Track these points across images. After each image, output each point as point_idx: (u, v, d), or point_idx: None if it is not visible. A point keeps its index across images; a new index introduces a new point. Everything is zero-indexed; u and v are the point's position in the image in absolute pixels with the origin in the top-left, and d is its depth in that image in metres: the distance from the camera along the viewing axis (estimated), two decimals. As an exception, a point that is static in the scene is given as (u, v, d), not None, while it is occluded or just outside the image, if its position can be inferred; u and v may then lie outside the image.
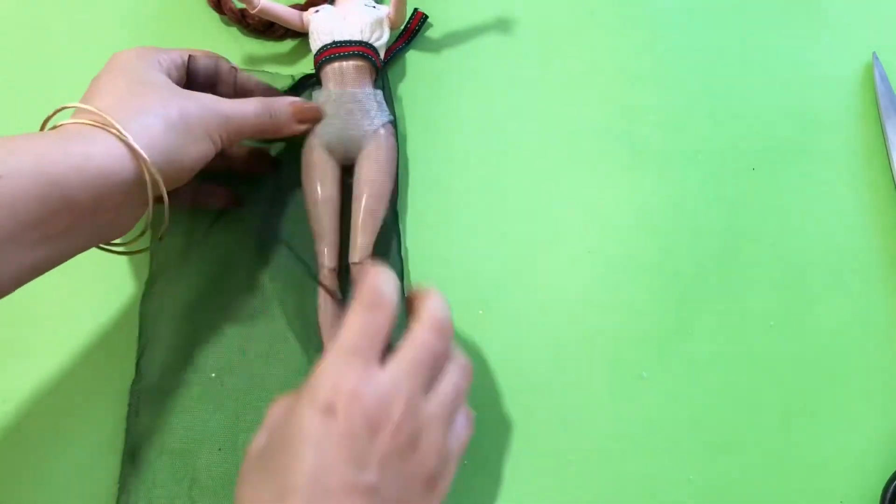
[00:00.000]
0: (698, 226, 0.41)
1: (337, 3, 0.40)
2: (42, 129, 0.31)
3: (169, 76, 0.33)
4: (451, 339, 0.30)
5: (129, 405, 0.35)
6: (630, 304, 0.39)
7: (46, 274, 0.29)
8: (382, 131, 0.38)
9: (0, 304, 0.28)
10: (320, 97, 0.38)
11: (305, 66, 0.42)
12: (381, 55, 0.39)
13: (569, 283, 0.39)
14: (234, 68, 0.37)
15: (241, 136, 0.34)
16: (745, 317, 0.39)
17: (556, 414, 0.37)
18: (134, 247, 0.33)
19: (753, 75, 0.44)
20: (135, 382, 0.35)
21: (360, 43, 0.38)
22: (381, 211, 0.37)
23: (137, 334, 0.36)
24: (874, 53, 0.44)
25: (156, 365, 0.35)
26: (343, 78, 0.38)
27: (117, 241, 0.33)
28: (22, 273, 0.28)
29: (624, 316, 0.39)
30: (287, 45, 0.43)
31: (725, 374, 0.38)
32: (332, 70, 0.38)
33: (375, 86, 0.39)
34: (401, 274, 0.38)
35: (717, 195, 0.41)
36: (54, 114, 0.31)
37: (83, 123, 0.29)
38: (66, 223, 0.28)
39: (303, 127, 0.37)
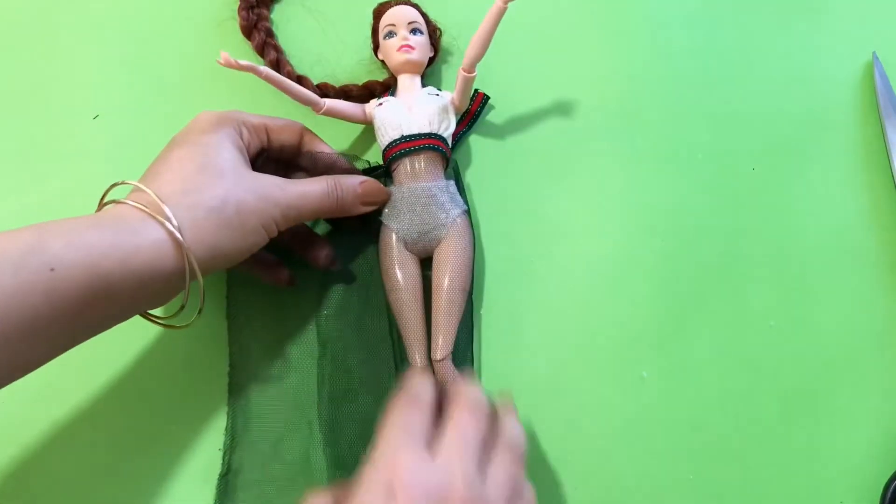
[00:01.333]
0: (698, 226, 0.41)
1: (399, 93, 0.39)
2: (100, 202, 0.31)
3: (248, 146, 0.34)
4: (489, 419, 0.31)
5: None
6: (630, 304, 0.39)
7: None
8: (458, 221, 0.37)
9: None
10: (394, 192, 0.37)
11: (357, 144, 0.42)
12: (449, 143, 0.39)
13: (569, 283, 0.39)
14: (315, 144, 0.37)
15: (302, 219, 0.34)
16: (745, 317, 0.39)
17: (556, 413, 0.37)
18: (174, 321, 0.33)
19: (753, 75, 0.44)
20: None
21: (429, 135, 0.37)
22: (462, 301, 0.36)
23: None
24: (874, 53, 0.44)
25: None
26: (415, 172, 0.37)
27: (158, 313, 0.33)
28: (55, 353, 0.28)
29: (624, 316, 0.39)
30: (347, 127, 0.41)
31: (725, 373, 0.38)
32: (403, 165, 0.37)
33: (446, 175, 0.38)
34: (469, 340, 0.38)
35: (717, 195, 0.41)
36: (110, 189, 0.31)
37: (138, 208, 0.29)
38: (106, 311, 0.29)
39: (367, 209, 0.36)
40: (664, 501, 0.36)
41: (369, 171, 0.39)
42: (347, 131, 0.41)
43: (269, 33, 0.41)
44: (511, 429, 0.31)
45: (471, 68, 0.37)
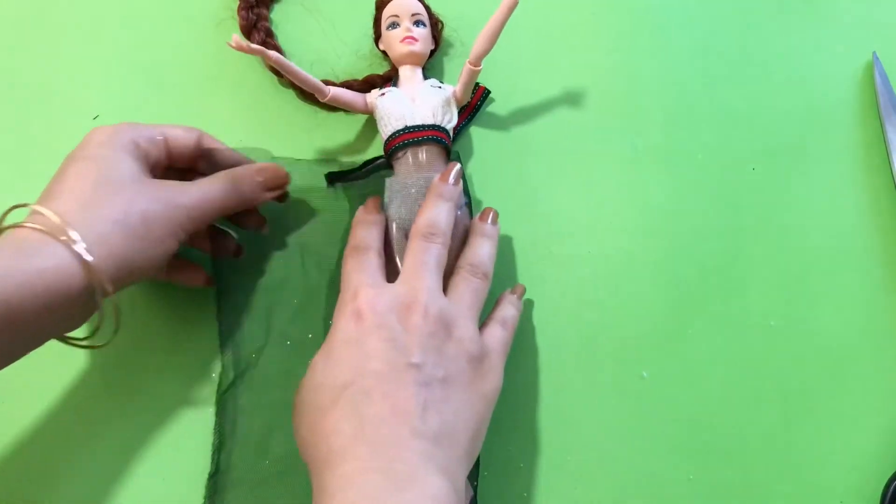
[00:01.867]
0: (698, 225, 0.41)
1: (401, 84, 0.39)
2: None
3: (147, 157, 0.33)
4: (444, 242, 0.34)
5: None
6: (630, 304, 0.39)
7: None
8: (459, 213, 0.37)
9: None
10: (395, 183, 0.37)
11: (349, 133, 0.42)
12: (451, 136, 0.39)
13: (569, 284, 0.39)
14: (212, 145, 0.36)
15: (208, 221, 0.34)
16: (745, 317, 0.39)
17: (556, 413, 0.37)
18: (95, 342, 0.32)
19: (753, 75, 0.44)
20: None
21: (433, 127, 0.37)
22: None
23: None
24: (874, 53, 0.44)
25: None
26: (418, 163, 0.37)
27: (77, 335, 0.32)
28: None
29: (624, 316, 0.39)
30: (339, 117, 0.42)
31: (726, 373, 0.38)
32: (406, 156, 0.37)
33: None
34: None
35: (717, 195, 0.41)
36: (7, 212, 0.30)
37: (38, 230, 0.28)
38: (11, 339, 0.27)
39: (271, 195, 0.36)
40: (664, 501, 0.36)
41: (369, 163, 0.39)
42: (347, 127, 0.41)
43: (269, 33, 0.41)
44: (424, 215, 0.34)
45: (477, 62, 0.37)
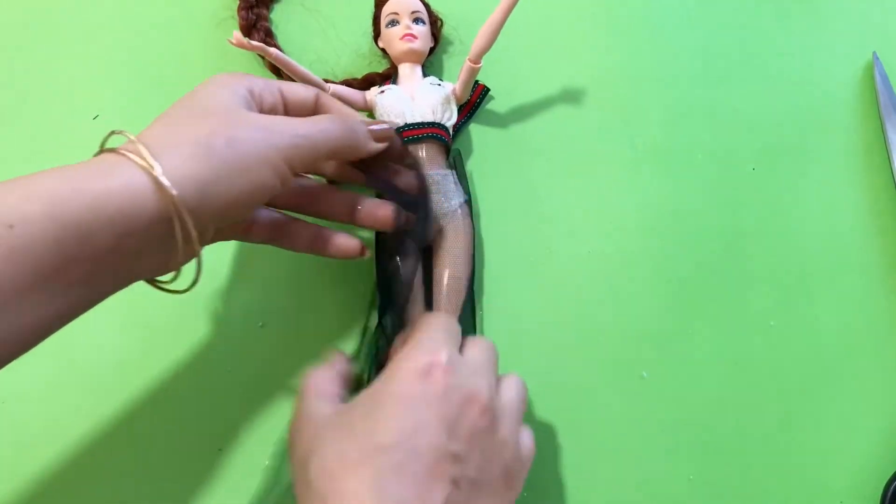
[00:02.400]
0: (698, 225, 0.41)
1: (401, 82, 0.39)
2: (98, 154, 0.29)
3: (261, 102, 0.31)
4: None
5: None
6: (630, 304, 0.39)
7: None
8: (459, 211, 0.37)
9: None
10: None
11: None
12: (451, 133, 0.39)
13: (569, 283, 0.39)
14: (330, 104, 0.34)
15: (317, 157, 0.31)
16: (745, 316, 0.39)
17: (556, 413, 0.37)
18: (178, 286, 0.29)
19: (753, 75, 0.44)
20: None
21: (433, 124, 0.37)
22: (463, 290, 0.36)
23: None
24: (874, 53, 0.44)
25: None
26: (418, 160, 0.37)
27: (164, 278, 0.30)
28: (44, 323, 0.25)
29: (624, 316, 0.39)
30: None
31: (725, 373, 0.38)
32: None
33: (447, 165, 0.38)
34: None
35: (717, 195, 0.41)
36: (107, 137, 0.28)
37: (117, 153, 0.26)
38: (87, 268, 0.25)
39: (379, 146, 0.33)
40: (664, 501, 0.36)
41: None
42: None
43: (269, 32, 0.41)
44: (510, 385, 0.31)
45: (477, 59, 0.37)
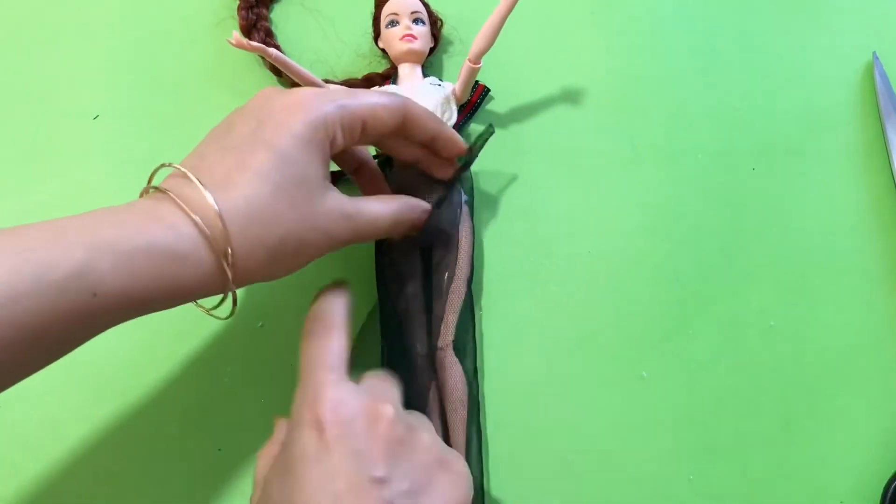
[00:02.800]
0: (698, 225, 0.41)
1: (401, 82, 0.39)
2: (148, 184, 0.29)
3: (334, 146, 0.30)
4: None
5: None
6: (630, 304, 0.39)
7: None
8: (459, 212, 0.37)
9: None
10: (396, 180, 0.37)
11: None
12: None
13: (569, 283, 0.39)
14: (415, 123, 0.33)
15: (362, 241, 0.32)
16: (745, 316, 0.39)
17: (556, 413, 0.37)
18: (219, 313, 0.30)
19: (753, 75, 0.44)
20: None
21: None
22: (463, 290, 0.36)
23: None
24: (874, 53, 0.44)
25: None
26: None
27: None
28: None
29: (624, 316, 0.39)
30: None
31: (725, 373, 0.38)
32: None
33: None
34: (475, 349, 0.37)
35: (717, 195, 0.41)
36: (161, 167, 0.29)
37: (197, 226, 0.27)
38: (130, 314, 0.27)
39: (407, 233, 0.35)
40: (664, 501, 0.36)
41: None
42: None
43: (269, 33, 0.41)
44: None
45: (477, 59, 0.37)
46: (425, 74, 0.40)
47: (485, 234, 0.40)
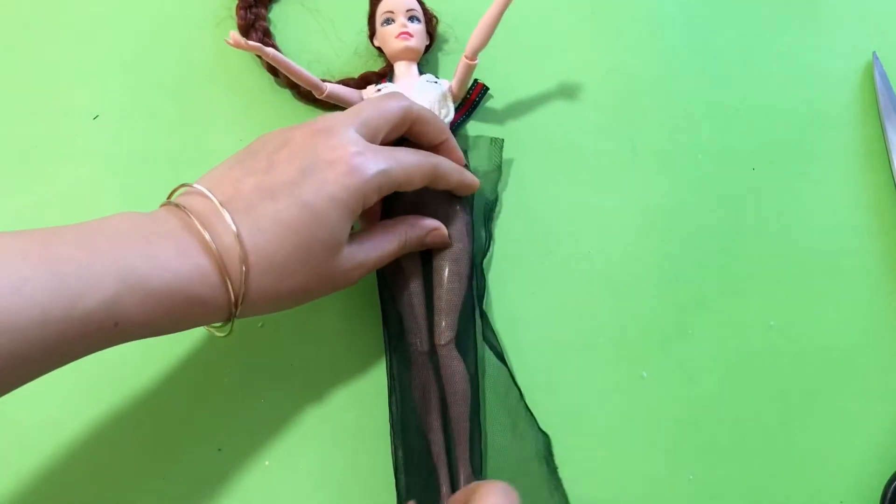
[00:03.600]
0: (698, 226, 0.41)
1: (397, 80, 0.39)
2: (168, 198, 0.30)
3: (367, 203, 0.31)
4: None
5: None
6: (630, 303, 0.39)
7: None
8: (458, 206, 0.37)
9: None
10: None
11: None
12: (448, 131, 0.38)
13: (569, 283, 0.39)
14: (442, 177, 0.35)
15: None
16: (745, 316, 0.39)
17: (556, 413, 0.37)
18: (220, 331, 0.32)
19: (753, 75, 0.44)
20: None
21: None
22: (463, 288, 0.36)
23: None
24: (874, 53, 0.44)
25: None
26: None
27: None
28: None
29: (624, 316, 0.39)
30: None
31: (725, 373, 0.38)
32: None
33: None
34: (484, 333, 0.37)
35: (717, 195, 0.41)
36: (185, 189, 0.30)
37: (221, 269, 0.28)
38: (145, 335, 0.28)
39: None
40: (664, 501, 0.36)
41: None
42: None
43: (267, 32, 0.41)
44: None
45: (473, 56, 0.37)
46: (421, 72, 0.40)
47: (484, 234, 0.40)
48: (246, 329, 0.37)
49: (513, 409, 0.36)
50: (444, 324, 0.36)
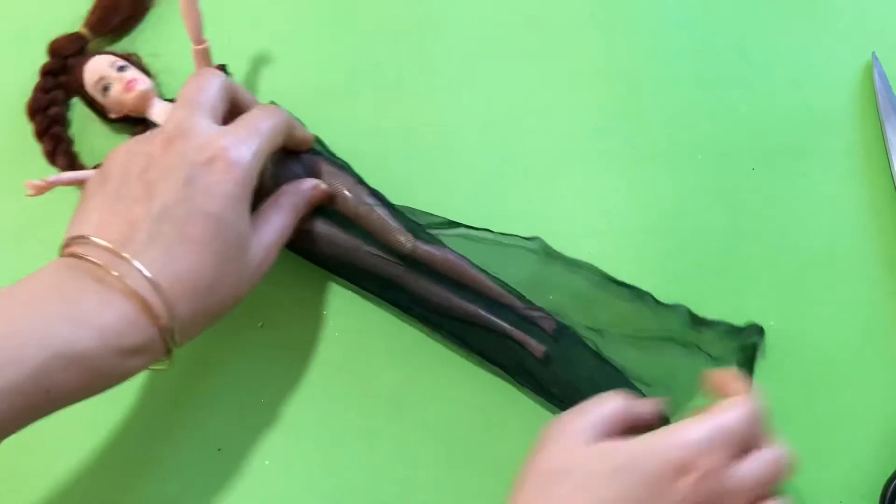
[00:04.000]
0: (698, 226, 0.41)
1: (158, 119, 0.37)
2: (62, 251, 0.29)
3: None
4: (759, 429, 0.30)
5: None
6: (630, 304, 0.39)
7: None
8: (315, 160, 0.37)
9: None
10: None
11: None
12: None
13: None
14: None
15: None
16: (745, 317, 0.39)
17: (555, 413, 0.37)
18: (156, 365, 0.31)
19: (753, 75, 0.44)
20: None
21: None
22: (379, 200, 0.37)
23: None
24: (874, 53, 0.44)
25: None
26: None
27: None
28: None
29: (624, 316, 0.39)
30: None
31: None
32: None
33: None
34: None
35: (717, 195, 0.41)
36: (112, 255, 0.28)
37: (153, 320, 0.28)
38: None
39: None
40: (664, 501, 0.36)
41: None
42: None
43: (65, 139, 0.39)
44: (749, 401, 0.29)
45: (199, 40, 0.36)
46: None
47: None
48: (246, 329, 0.37)
49: None
50: (397, 239, 0.36)
